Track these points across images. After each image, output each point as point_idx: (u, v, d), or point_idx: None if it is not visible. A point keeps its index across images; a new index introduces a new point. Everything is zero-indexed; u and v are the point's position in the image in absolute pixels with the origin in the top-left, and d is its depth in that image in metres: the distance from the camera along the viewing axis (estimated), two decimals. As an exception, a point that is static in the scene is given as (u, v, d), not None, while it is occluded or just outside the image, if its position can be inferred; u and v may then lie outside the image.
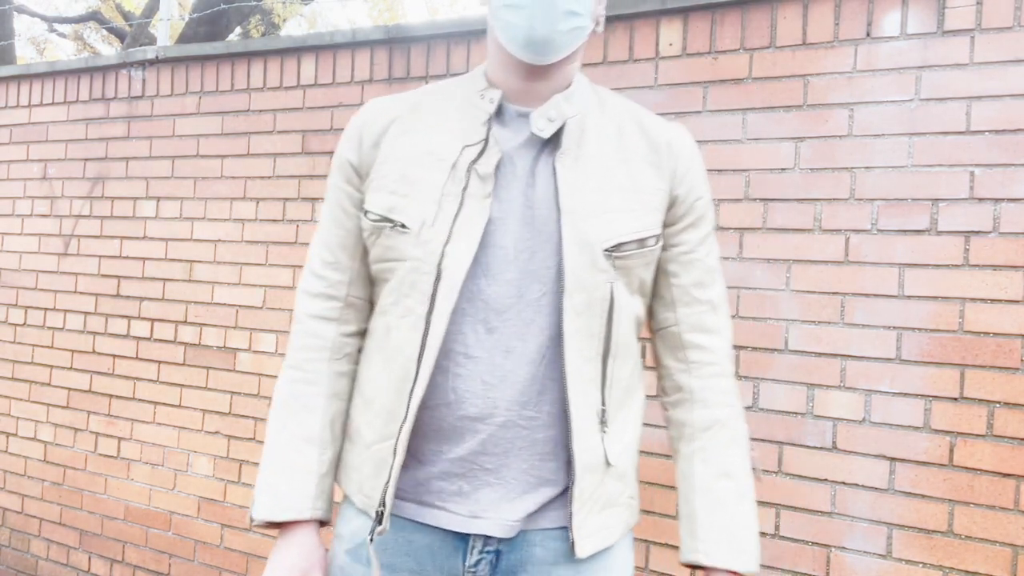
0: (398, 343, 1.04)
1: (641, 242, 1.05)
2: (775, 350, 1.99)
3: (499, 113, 1.08)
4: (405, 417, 1.01)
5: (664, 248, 1.11)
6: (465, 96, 1.10)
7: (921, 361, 1.85)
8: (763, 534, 1.99)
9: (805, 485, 1.95)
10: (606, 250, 1.02)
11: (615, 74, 2.20)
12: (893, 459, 1.86)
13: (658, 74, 2.15)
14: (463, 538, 1.04)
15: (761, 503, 2.00)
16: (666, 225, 1.10)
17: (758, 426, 2.00)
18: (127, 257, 3.02)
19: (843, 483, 1.91)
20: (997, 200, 1.79)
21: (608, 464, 1.05)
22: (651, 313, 1.16)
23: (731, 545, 1.08)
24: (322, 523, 1.10)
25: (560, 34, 1.01)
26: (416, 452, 1.05)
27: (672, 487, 2.10)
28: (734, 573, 1.07)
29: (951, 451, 1.81)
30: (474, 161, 1.03)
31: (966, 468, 1.80)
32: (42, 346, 3.21)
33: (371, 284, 1.15)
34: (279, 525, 1.08)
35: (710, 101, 2.09)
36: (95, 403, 3.07)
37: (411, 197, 1.04)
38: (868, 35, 1.92)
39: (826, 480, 1.93)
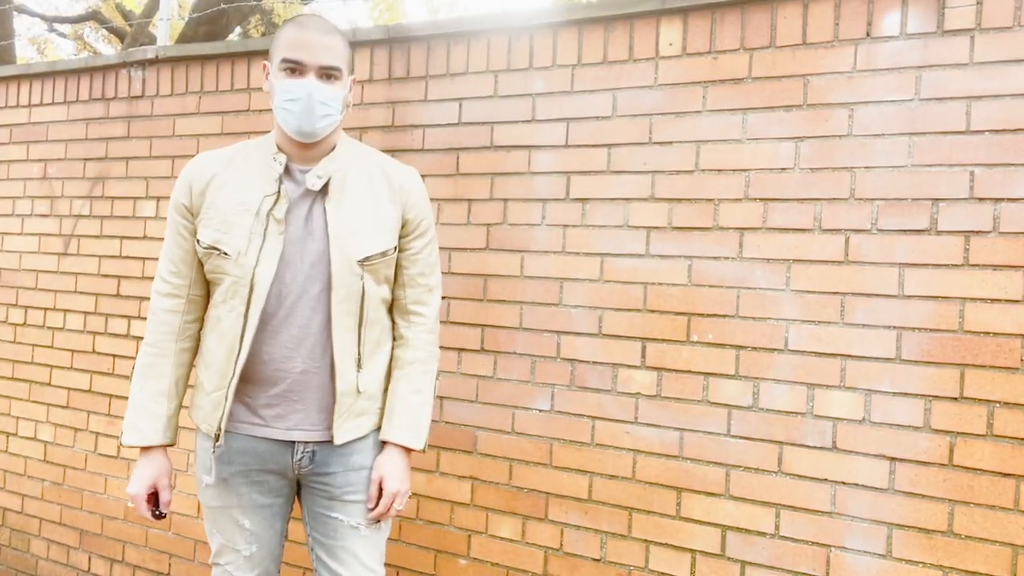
0: (226, 327, 1.64)
1: (383, 253, 1.67)
2: (775, 350, 1.99)
3: (286, 171, 1.65)
4: (233, 374, 1.63)
5: (400, 251, 1.73)
6: (262, 158, 1.66)
7: (921, 361, 1.85)
8: (762, 534, 1.99)
9: (805, 485, 1.95)
10: (359, 260, 1.63)
11: (615, 74, 2.20)
12: (893, 459, 1.86)
13: (658, 74, 2.15)
14: (290, 444, 1.68)
15: (761, 503, 2.00)
16: (401, 236, 1.72)
17: (758, 426, 2.00)
18: (127, 257, 3.02)
19: (843, 483, 1.91)
20: (997, 200, 1.79)
21: (359, 391, 1.69)
22: (392, 291, 1.77)
23: (412, 432, 1.73)
24: (167, 447, 1.76)
25: (319, 128, 1.60)
26: (248, 393, 1.68)
27: (672, 487, 2.10)
28: (409, 449, 1.74)
29: (951, 451, 1.81)
30: (271, 209, 1.61)
31: (966, 468, 1.80)
32: (42, 346, 3.21)
33: (207, 284, 1.73)
34: (142, 449, 1.70)
35: (710, 101, 2.09)
36: (95, 403, 3.07)
37: (230, 234, 1.61)
38: (868, 35, 1.92)
39: (826, 480, 1.93)
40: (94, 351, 3.08)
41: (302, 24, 1.59)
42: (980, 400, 1.79)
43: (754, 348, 2.01)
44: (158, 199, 2.96)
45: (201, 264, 1.69)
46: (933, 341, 1.84)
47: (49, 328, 3.20)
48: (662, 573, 2.11)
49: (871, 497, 1.88)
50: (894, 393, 1.87)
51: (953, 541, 1.81)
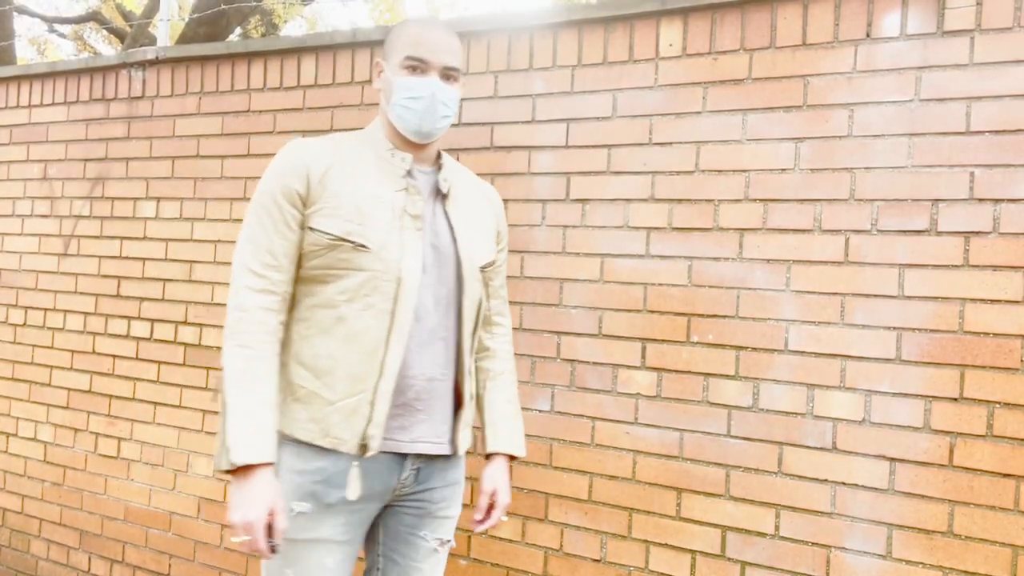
0: (361, 327, 1.48)
1: (492, 263, 1.66)
2: (775, 350, 1.99)
3: (409, 169, 1.57)
4: (381, 375, 1.48)
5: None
6: (377, 154, 1.56)
7: (921, 361, 1.85)
8: (762, 534, 1.99)
9: (805, 485, 1.95)
10: (480, 266, 1.60)
11: (615, 74, 2.20)
12: (893, 459, 1.87)
13: (658, 74, 2.15)
14: (400, 460, 1.54)
15: (761, 503, 2.00)
16: None
17: (758, 426, 2.00)
18: (127, 257, 3.02)
19: (843, 483, 1.91)
20: (997, 200, 1.79)
21: (471, 398, 1.64)
22: None
23: (516, 441, 1.71)
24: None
25: (437, 129, 1.55)
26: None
27: (672, 487, 2.10)
28: (512, 458, 1.73)
29: (951, 451, 1.81)
30: (405, 205, 1.53)
31: (966, 468, 1.80)
32: (42, 346, 3.21)
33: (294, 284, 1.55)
34: (247, 468, 1.40)
35: (710, 101, 2.09)
36: (95, 403, 3.07)
37: (366, 226, 1.48)
38: (868, 35, 1.92)
39: (826, 480, 1.93)
40: (94, 351, 3.08)
41: (425, 23, 1.54)
42: (980, 401, 1.79)
43: (754, 348, 2.01)
44: (158, 199, 2.96)
45: (300, 259, 1.52)
46: (933, 342, 1.84)
47: (49, 328, 3.20)
48: (662, 573, 2.11)
49: (871, 497, 1.88)
50: (894, 393, 1.87)
51: (953, 542, 1.81)
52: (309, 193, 1.49)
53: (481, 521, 1.67)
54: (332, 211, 1.48)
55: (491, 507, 1.68)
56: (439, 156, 1.64)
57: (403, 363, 1.50)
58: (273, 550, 1.40)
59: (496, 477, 1.67)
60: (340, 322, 1.48)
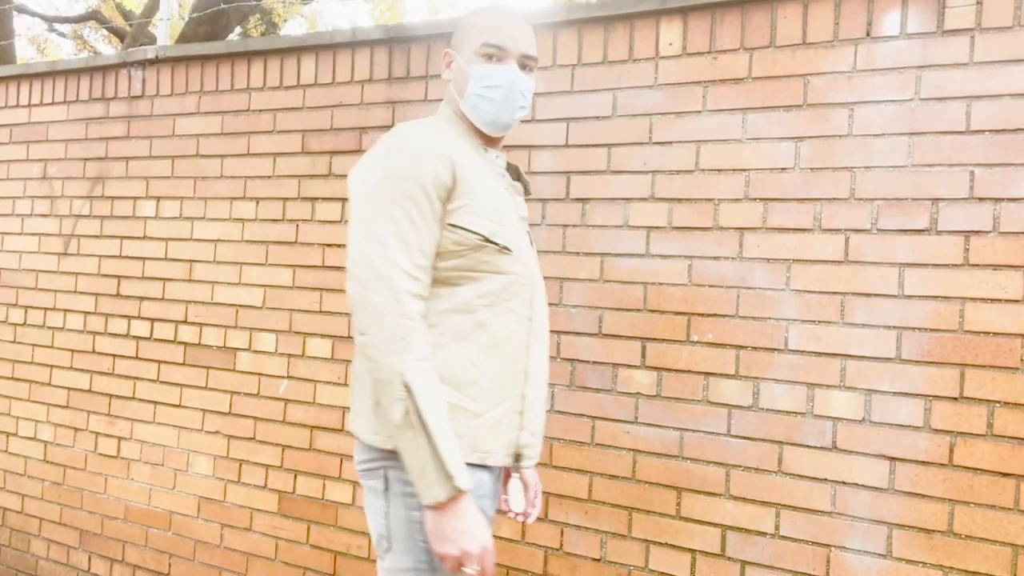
0: (503, 333, 1.40)
1: None
2: (775, 350, 1.99)
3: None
4: (526, 382, 1.43)
5: None
6: (472, 147, 1.46)
7: (921, 361, 1.84)
8: (762, 534, 1.99)
9: (805, 485, 1.95)
10: None
11: (615, 74, 2.20)
12: (893, 459, 1.86)
13: (658, 74, 2.15)
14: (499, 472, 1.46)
15: (761, 502, 2.00)
16: None
17: (758, 426, 2.00)
18: (127, 257, 3.02)
19: (843, 483, 1.91)
20: (997, 200, 1.79)
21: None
22: None
23: None
24: None
25: (514, 120, 1.47)
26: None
27: (672, 487, 2.10)
28: None
29: (951, 451, 1.81)
30: (514, 205, 1.46)
31: (966, 468, 1.80)
32: (42, 346, 3.21)
33: None
34: (461, 494, 1.28)
35: (710, 101, 2.08)
36: (95, 403, 3.07)
37: (505, 227, 1.40)
38: (868, 35, 1.92)
39: (826, 480, 1.93)
40: (94, 351, 3.07)
41: (501, 10, 1.46)
42: (980, 400, 1.79)
43: (754, 348, 2.01)
44: (158, 199, 2.96)
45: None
46: (933, 341, 1.83)
47: (49, 328, 3.19)
48: (662, 573, 2.11)
49: (871, 497, 1.88)
50: (894, 393, 1.87)
51: (953, 541, 1.81)
52: (455, 186, 1.35)
53: (525, 515, 1.57)
54: (474, 208, 1.36)
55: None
56: None
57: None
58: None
59: (533, 474, 1.63)
60: (480, 328, 1.37)
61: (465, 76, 1.44)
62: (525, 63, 1.45)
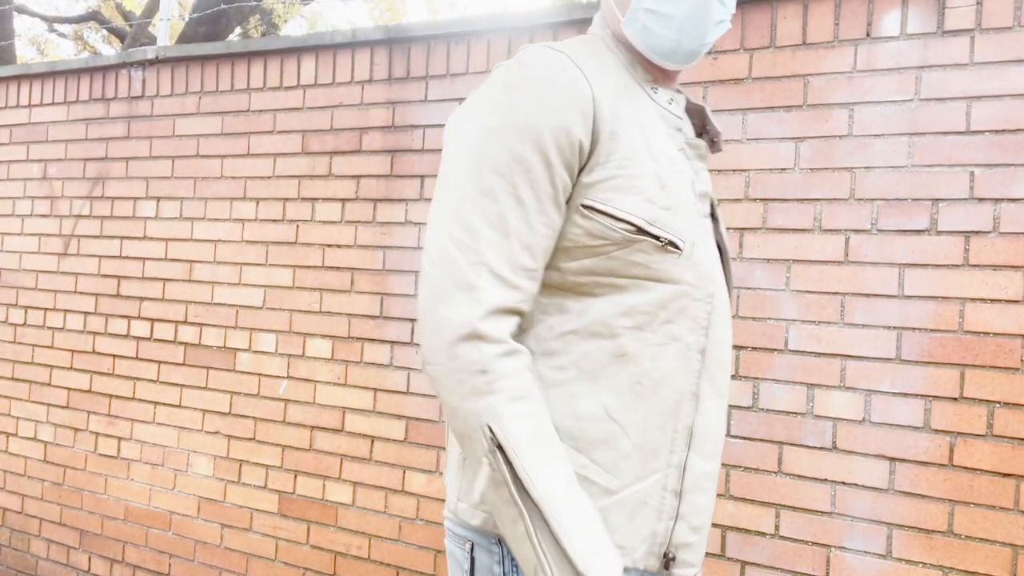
0: (659, 374, 0.92)
1: None
2: (775, 350, 1.99)
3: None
4: (690, 448, 0.94)
5: None
6: (635, 84, 0.98)
7: (921, 361, 1.85)
8: (762, 534, 1.99)
9: (805, 485, 1.95)
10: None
11: (615, 74, 2.20)
12: (893, 459, 1.86)
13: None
14: None
15: (761, 503, 1.99)
16: None
17: (758, 426, 2.00)
18: (127, 257, 3.02)
19: (843, 483, 1.91)
20: (997, 200, 1.79)
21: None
22: None
23: None
24: None
25: (707, 45, 0.97)
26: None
27: (672, 487, 2.10)
28: None
29: (951, 451, 1.81)
30: (692, 177, 0.97)
31: (966, 468, 1.80)
32: (42, 346, 3.21)
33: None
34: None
35: (710, 101, 2.08)
36: (95, 403, 3.07)
37: (675, 211, 0.92)
38: (868, 35, 1.92)
39: (826, 480, 1.93)
40: (94, 351, 3.08)
41: None
42: (980, 400, 1.79)
43: (754, 348, 2.01)
44: (158, 199, 2.96)
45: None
46: (933, 341, 1.83)
47: (49, 328, 3.19)
48: (662, 573, 2.11)
49: (871, 497, 1.88)
50: (894, 393, 1.87)
51: (953, 541, 1.81)
52: (596, 146, 0.89)
53: None
54: (627, 182, 0.90)
55: None
56: None
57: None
58: None
59: None
60: (623, 362, 0.91)
61: None
62: None
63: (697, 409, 0.95)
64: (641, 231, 0.89)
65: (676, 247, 0.91)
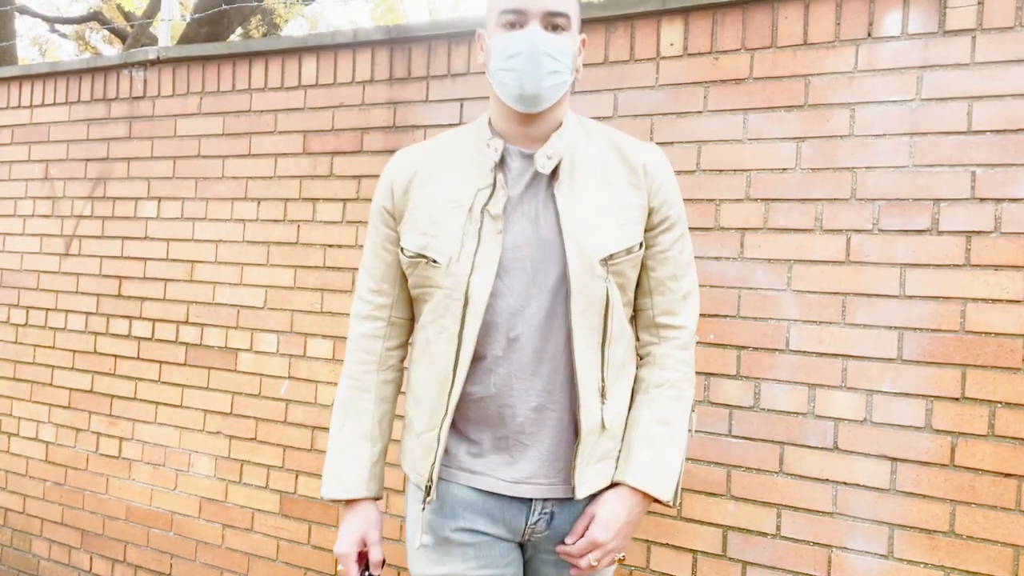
0: (437, 353, 1.33)
1: (628, 250, 1.32)
2: (776, 350, 1.99)
3: (503, 158, 1.33)
4: (446, 411, 1.31)
5: (645, 247, 1.37)
6: (475, 145, 1.35)
7: (922, 361, 1.84)
8: (764, 534, 1.99)
9: (806, 485, 1.95)
10: (601, 260, 1.29)
11: (616, 74, 2.20)
12: (894, 459, 1.86)
13: (659, 74, 2.15)
14: (525, 502, 1.33)
15: (762, 503, 1.99)
16: (646, 230, 1.37)
17: (759, 426, 2.00)
18: (128, 257, 3.02)
19: (844, 483, 1.91)
20: (998, 200, 1.79)
21: (604, 428, 1.33)
22: (636, 300, 1.42)
23: (655, 475, 1.32)
24: (375, 499, 1.44)
25: (545, 89, 1.28)
26: (467, 434, 1.36)
27: (673, 487, 2.10)
28: (651, 498, 1.33)
29: (952, 451, 1.81)
30: (485, 204, 1.29)
31: (967, 468, 1.80)
32: (43, 346, 3.22)
33: (411, 305, 1.44)
34: (346, 502, 1.41)
35: (711, 101, 2.08)
36: (96, 403, 3.07)
37: (439, 238, 1.31)
38: (869, 35, 1.92)
39: (827, 480, 1.93)
40: (95, 351, 3.08)
41: None
42: (981, 400, 1.79)
43: (755, 348, 2.01)
44: (159, 199, 2.96)
45: (406, 280, 1.42)
46: (934, 341, 1.83)
47: (51, 328, 3.20)
48: (663, 573, 2.11)
49: (872, 497, 1.88)
50: (895, 393, 1.87)
51: (954, 541, 1.81)
52: (395, 207, 1.38)
53: (568, 554, 1.34)
54: (412, 224, 1.35)
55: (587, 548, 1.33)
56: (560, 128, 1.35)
57: (500, 389, 1.31)
58: None
59: (603, 506, 1.32)
60: (427, 346, 1.36)
61: (489, 53, 1.31)
62: (551, 22, 1.27)
63: (455, 381, 1.30)
64: (419, 255, 1.33)
65: (436, 262, 1.31)
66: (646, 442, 1.33)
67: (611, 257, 1.30)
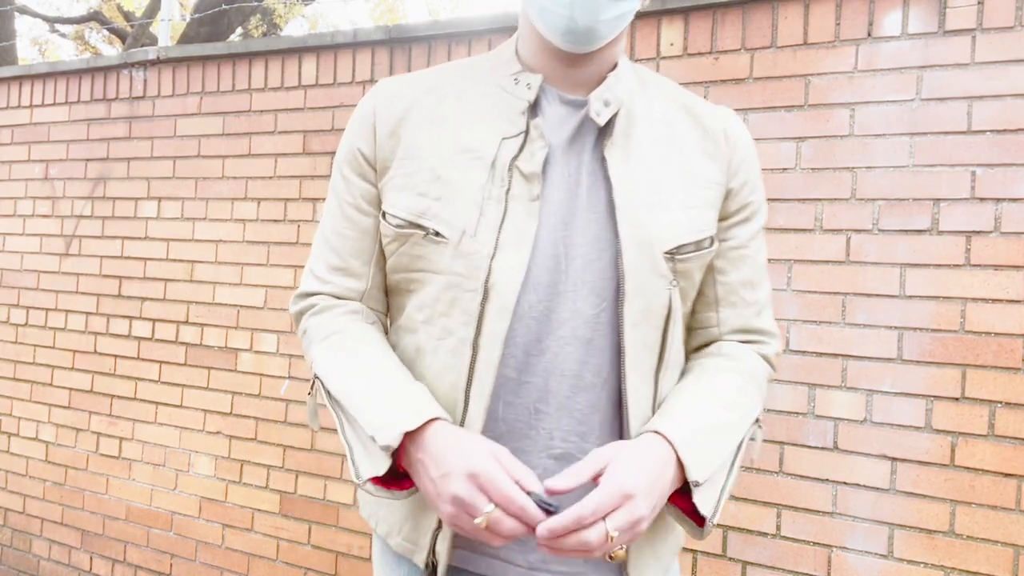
0: (437, 369, 0.91)
1: (698, 244, 0.95)
2: (776, 350, 1.99)
3: (537, 100, 0.96)
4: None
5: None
6: (496, 81, 0.98)
7: (922, 361, 1.84)
8: (764, 534, 1.99)
9: (806, 485, 1.95)
10: (667, 252, 0.92)
11: (616, 74, 2.20)
12: (894, 459, 1.86)
13: (660, 74, 2.15)
14: None
15: (763, 503, 1.99)
16: (719, 219, 1.00)
17: (759, 426, 2.00)
18: (128, 257, 3.02)
19: (844, 483, 1.91)
20: (998, 200, 1.79)
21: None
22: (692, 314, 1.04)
23: (693, 443, 0.87)
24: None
25: (604, 23, 0.90)
26: None
27: (673, 487, 2.10)
28: (679, 471, 0.85)
29: (952, 451, 1.81)
30: (515, 157, 0.91)
31: (967, 468, 1.80)
32: (44, 346, 3.22)
33: (387, 295, 1.03)
34: (416, 439, 0.84)
35: (711, 101, 2.09)
36: (96, 403, 3.07)
37: (446, 201, 0.91)
38: (869, 35, 1.92)
39: (827, 480, 1.93)
40: (95, 351, 3.08)
41: None
42: (981, 400, 1.79)
43: (755, 348, 2.01)
44: (159, 199, 2.96)
45: (384, 260, 1.00)
46: (934, 341, 1.83)
47: (51, 328, 3.20)
48: (663, 573, 2.11)
49: (872, 497, 1.88)
50: (895, 393, 1.87)
51: (955, 541, 1.81)
52: (376, 153, 0.97)
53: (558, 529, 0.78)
54: (404, 180, 0.94)
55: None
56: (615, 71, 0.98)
57: (517, 426, 0.91)
58: (549, 511, 0.77)
59: (620, 449, 0.83)
60: (420, 356, 0.94)
61: None
62: None
63: (467, 408, 0.89)
64: (410, 223, 0.93)
65: (442, 236, 0.91)
66: (693, 409, 0.91)
67: (679, 250, 0.92)
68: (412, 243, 0.93)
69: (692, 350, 1.05)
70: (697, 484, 0.85)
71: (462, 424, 0.89)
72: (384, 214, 0.96)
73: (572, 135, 0.94)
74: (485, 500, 0.77)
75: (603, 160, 0.93)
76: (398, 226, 0.94)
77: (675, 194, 0.94)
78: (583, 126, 0.95)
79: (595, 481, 0.80)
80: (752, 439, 0.99)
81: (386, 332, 1.04)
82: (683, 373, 1.01)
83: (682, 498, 0.90)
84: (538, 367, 0.90)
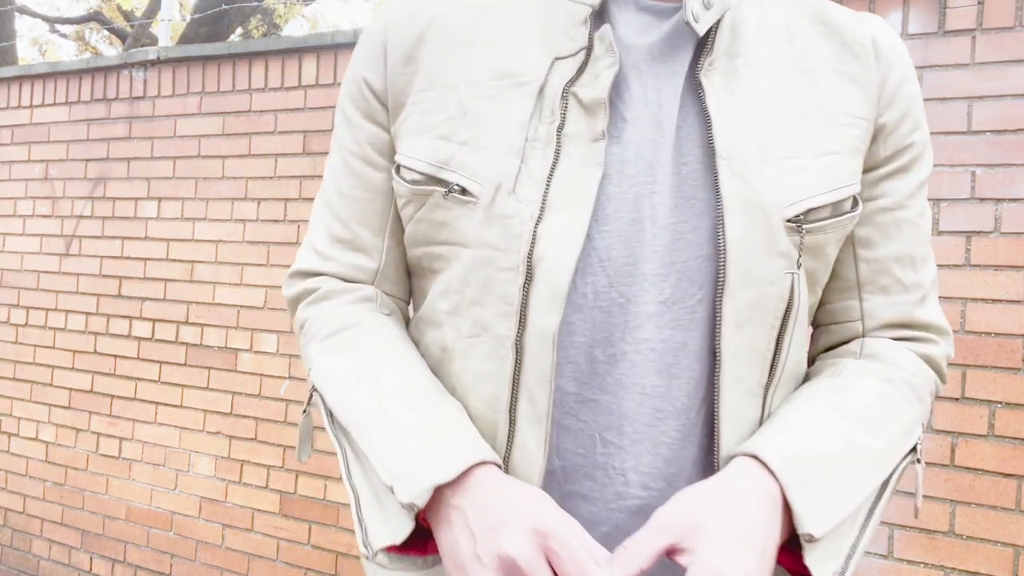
0: (469, 380, 0.66)
1: (836, 206, 0.66)
2: (776, 350, 1.99)
3: (604, 6, 0.68)
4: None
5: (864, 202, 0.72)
6: None
7: (922, 361, 1.84)
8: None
9: (806, 485, 1.95)
10: (789, 220, 0.64)
11: (616, 74, 2.20)
12: (894, 459, 1.86)
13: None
14: None
15: (762, 503, 1.99)
16: (866, 169, 0.71)
17: (759, 426, 2.00)
18: (128, 257, 3.02)
19: (844, 483, 1.91)
20: (998, 200, 1.79)
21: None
22: (824, 303, 0.75)
23: (805, 479, 0.60)
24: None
25: None
26: None
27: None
28: (786, 512, 0.59)
29: (952, 451, 1.81)
30: (572, 81, 0.64)
31: (967, 468, 1.80)
32: (43, 346, 3.22)
33: (408, 278, 0.77)
34: (453, 492, 0.60)
35: (711, 101, 2.09)
36: (96, 403, 3.07)
37: (475, 144, 0.65)
38: (869, 35, 1.92)
39: (827, 480, 1.93)
40: (95, 352, 3.08)
41: None
42: (981, 400, 1.79)
43: (755, 348, 2.01)
44: (159, 199, 2.96)
45: (402, 230, 0.74)
46: (934, 341, 1.83)
47: (51, 328, 3.20)
48: (663, 573, 2.11)
49: (872, 497, 1.88)
50: (895, 393, 1.87)
51: (954, 541, 1.81)
52: (388, 84, 0.71)
53: None
54: (422, 120, 0.69)
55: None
56: None
57: (565, 464, 0.66)
58: None
59: (702, 507, 0.57)
60: (447, 360, 0.69)
61: None
62: None
63: (512, 434, 0.63)
64: (431, 177, 0.67)
65: (471, 195, 0.64)
66: (816, 424, 0.64)
67: (808, 216, 0.65)
68: (432, 205, 0.67)
69: (820, 353, 0.77)
70: (812, 539, 0.58)
71: (507, 458, 0.64)
72: (398, 167, 0.70)
73: (654, 52, 0.66)
74: (547, 570, 0.54)
75: (699, 88, 0.65)
76: (413, 182, 0.68)
77: (801, 135, 0.66)
78: (672, 39, 0.66)
79: (671, 557, 0.55)
80: (902, 473, 0.68)
81: (408, 323, 0.78)
82: (805, 379, 0.73)
83: (789, 555, 0.63)
84: (607, 381, 0.64)
